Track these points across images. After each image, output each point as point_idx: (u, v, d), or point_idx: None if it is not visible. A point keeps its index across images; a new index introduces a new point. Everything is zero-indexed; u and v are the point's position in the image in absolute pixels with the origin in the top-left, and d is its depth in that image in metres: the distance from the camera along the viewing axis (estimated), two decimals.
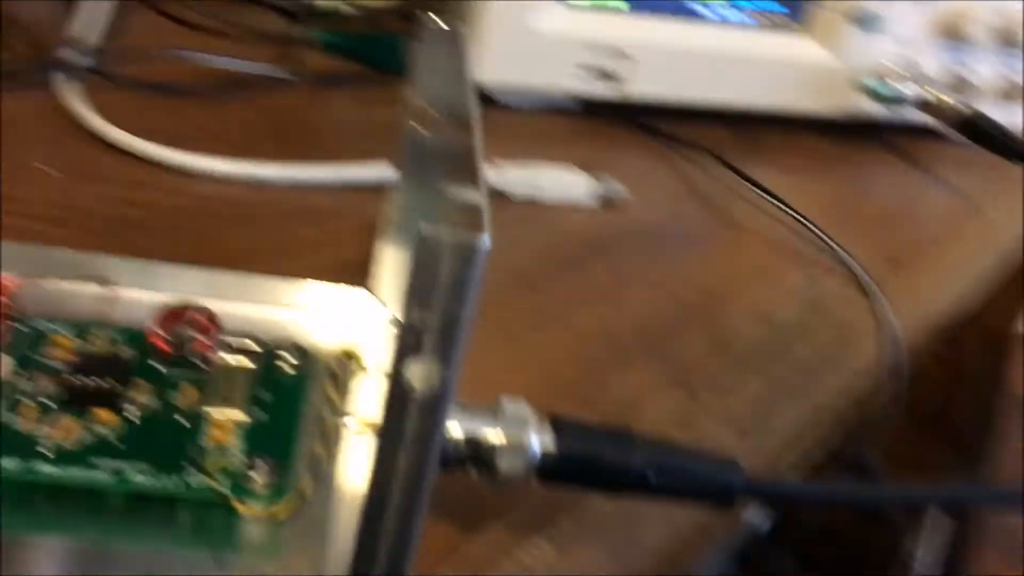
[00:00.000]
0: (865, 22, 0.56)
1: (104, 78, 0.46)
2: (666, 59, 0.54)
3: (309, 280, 0.31)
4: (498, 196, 0.44)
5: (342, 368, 0.28)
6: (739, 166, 0.53)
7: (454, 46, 0.28)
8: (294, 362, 0.28)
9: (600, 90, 0.54)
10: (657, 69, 0.54)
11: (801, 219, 0.47)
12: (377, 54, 0.56)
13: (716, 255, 0.43)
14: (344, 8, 0.60)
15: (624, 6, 0.54)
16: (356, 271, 0.33)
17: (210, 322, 0.28)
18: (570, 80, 0.54)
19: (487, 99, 0.53)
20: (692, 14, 0.55)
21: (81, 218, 0.35)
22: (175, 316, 0.28)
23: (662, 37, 0.54)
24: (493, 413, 0.24)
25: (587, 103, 0.55)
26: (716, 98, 0.57)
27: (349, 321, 0.30)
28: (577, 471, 0.24)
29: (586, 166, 0.49)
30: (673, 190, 0.49)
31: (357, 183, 0.42)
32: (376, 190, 0.41)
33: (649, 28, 0.54)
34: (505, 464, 0.23)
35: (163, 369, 0.27)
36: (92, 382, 0.26)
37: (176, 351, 0.27)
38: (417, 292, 0.18)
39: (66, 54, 0.46)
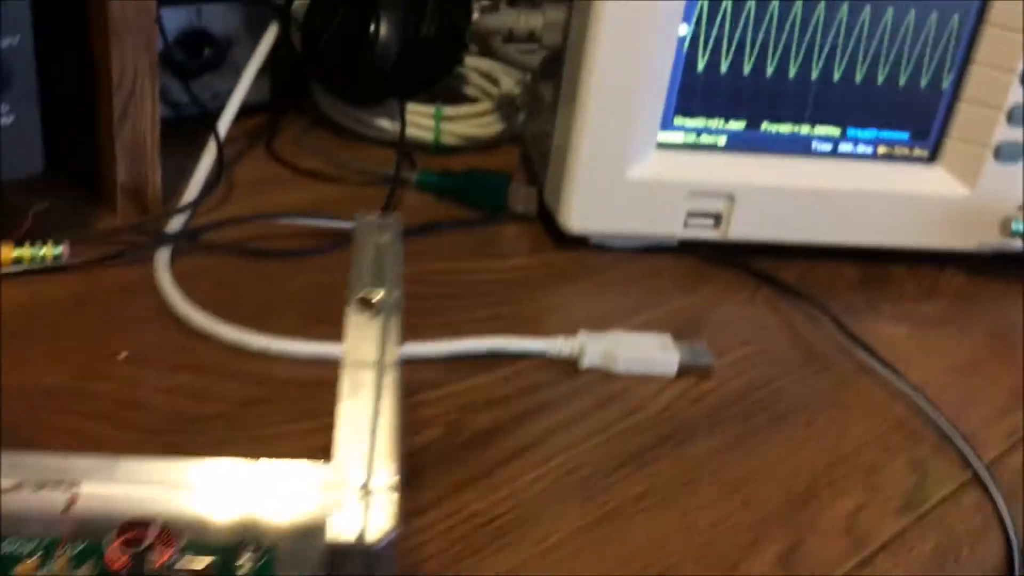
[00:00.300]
0: (1004, 152, 0.51)
1: (196, 247, 0.47)
2: (770, 197, 0.51)
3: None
4: (568, 366, 0.42)
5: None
6: (865, 311, 0.49)
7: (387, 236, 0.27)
8: (252, 559, 0.27)
9: (701, 233, 0.52)
10: (761, 208, 0.51)
11: (915, 393, 0.43)
12: (478, 195, 0.55)
13: (809, 440, 0.40)
14: (448, 138, 0.60)
15: (719, 141, 0.51)
16: None
17: (168, 537, 0.28)
18: (669, 225, 0.51)
19: (582, 242, 0.52)
20: (797, 148, 0.52)
21: (143, 417, 0.36)
22: (132, 534, 0.28)
23: (765, 174, 0.51)
24: None
25: (689, 243, 0.52)
26: (831, 237, 0.53)
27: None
28: None
29: (681, 315, 0.47)
30: (774, 345, 0.46)
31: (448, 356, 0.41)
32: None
33: (750, 166, 0.51)
34: None
35: None
36: None
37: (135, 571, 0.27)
38: None
39: (165, 224, 0.48)
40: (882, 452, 0.39)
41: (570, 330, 0.43)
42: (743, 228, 0.52)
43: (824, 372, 0.44)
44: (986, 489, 0.38)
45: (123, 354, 0.39)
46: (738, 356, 0.45)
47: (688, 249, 0.52)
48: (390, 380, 0.24)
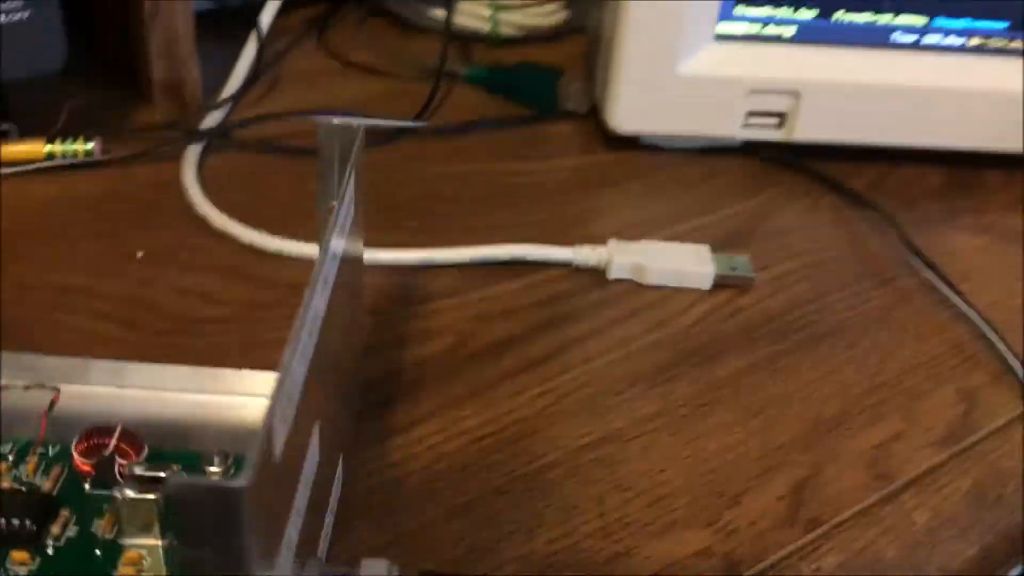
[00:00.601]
0: None
1: (230, 145, 0.47)
2: (842, 95, 0.47)
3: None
4: (595, 277, 0.40)
5: None
6: (941, 223, 0.45)
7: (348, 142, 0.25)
8: (222, 466, 0.27)
9: (763, 134, 0.48)
10: (831, 107, 0.47)
11: (978, 316, 0.39)
12: (528, 91, 0.52)
13: (848, 363, 0.36)
14: (506, 29, 0.57)
15: (786, 32, 0.46)
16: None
17: (132, 444, 0.28)
18: (725, 125, 0.47)
19: (634, 143, 0.49)
20: (875, 39, 0.47)
21: (150, 318, 0.36)
22: (98, 439, 0.28)
23: (837, 69, 0.47)
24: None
25: (753, 144, 0.49)
26: (911, 140, 0.48)
27: None
28: None
29: (731, 222, 0.44)
30: (829, 257, 0.42)
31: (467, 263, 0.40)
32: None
33: (820, 59, 0.46)
34: None
35: (85, 494, 0.27)
36: (12, 525, 0.26)
37: (99, 475, 0.27)
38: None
39: (200, 120, 0.47)
40: (929, 379, 0.36)
41: (607, 237, 0.40)
42: (810, 129, 0.47)
43: (880, 289, 0.41)
44: None
45: (140, 253, 0.39)
46: (786, 269, 0.41)
47: (751, 151, 0.49)
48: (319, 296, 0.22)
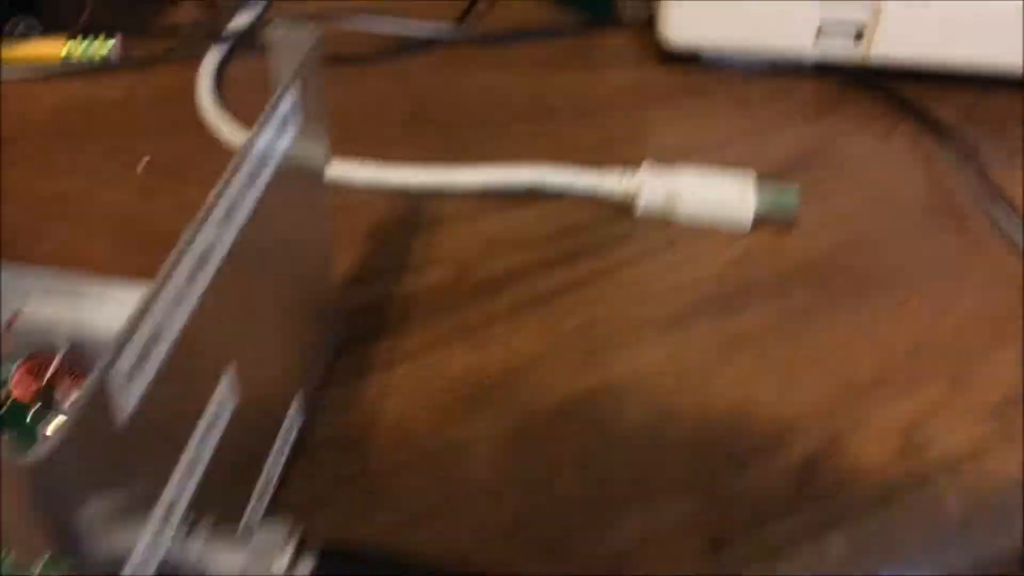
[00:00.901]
0: None
1: (254, 49, 0.44)
2: (931, 7, 0.41)
3: None
4: (622, 208, 0.36)
5: None
6: None
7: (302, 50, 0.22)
8: None
9: (836, 51, 0.43)
10: (917, 21, 0.41)
11: None
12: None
13: (898, 316, 0.32)
14: None
15: None
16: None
17: (78, 368, 0.26)
18: (792, 38, 0.42)
19: (692, 60, 0.44)
20: None
21: (141, 232, 0.34)
22: (36, 362, 0.26)
23: None
24: (243, 540, 0.20)
25: (824, 67, 0.44)
26: (1007, 62, 0.42)
27: None
28: None
29: (789, 150, 0.39)
30: (895, 194, 0.38)
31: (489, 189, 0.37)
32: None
33: None
34: None
35: (25, 420, 0.26)
36: None
37: (42, 399, 0.26)
38: None
39: (224, 22, 0.45)
40: (990, 338, 0.31)
41: (646, 161, 0.37)
42: (891, 46, 0.42)
43: (946, 233, 0.36)
44: None
45: (144, 161, 0.37)
46: (840, 205, 0.37)
47: (827, 71, 0.44)
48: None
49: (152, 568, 0.18)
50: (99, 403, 0.15)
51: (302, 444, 0.27)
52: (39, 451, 0.14)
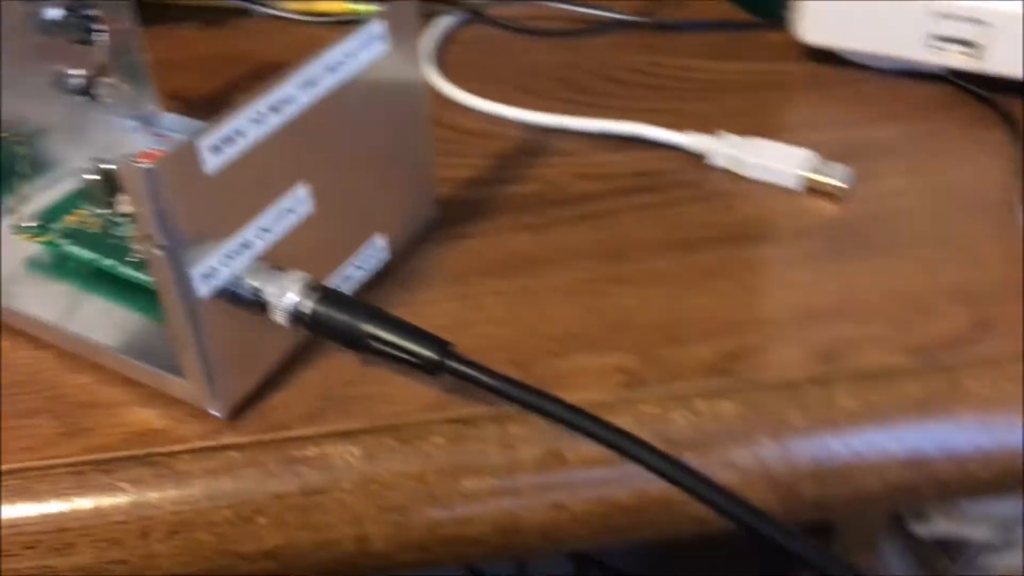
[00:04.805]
0: None
1: (482, 20, 0.57)
2: None
3: None
4: (696, 161, 0.44)
5: None
6: None
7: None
8: None
9: (953, 60, 0.47)
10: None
11: None
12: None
13: (893, 271, 0.38)
14: None
15: None
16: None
17: None
18: (904, 46, 0.48)
19: (832, 57, 0.51)
20: None
21: None
22: None
23: None
24: (281, 273, 0.32)
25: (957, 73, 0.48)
26: None
27: None
28: (327, 328, 0.31)
29: (871, 139, 0.45)
30: (951, 181, 0.42)
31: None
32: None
33: None
34: (274, 312, 0.31)
35: None
36: None
37: None
38: None
39: None
40: (953, 301, 0.36)
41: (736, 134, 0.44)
42: (1003, 59, 0.46)
43: (978, 222, 0.40)
44: None
45: None
46: (894, 186, 0.42)
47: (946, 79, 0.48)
48: None
49: (221, 279, 0.30)
50: (190, 154, 0.28)
51: (381, 275, 0.38)
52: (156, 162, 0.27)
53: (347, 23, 0.56)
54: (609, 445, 0.30)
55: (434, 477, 0.32)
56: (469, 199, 0.43)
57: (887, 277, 0.38)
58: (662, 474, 0.29)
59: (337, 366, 0.35)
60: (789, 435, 0.33)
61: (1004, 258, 0.38)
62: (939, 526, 0.51)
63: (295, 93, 0.31)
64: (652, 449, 0.29)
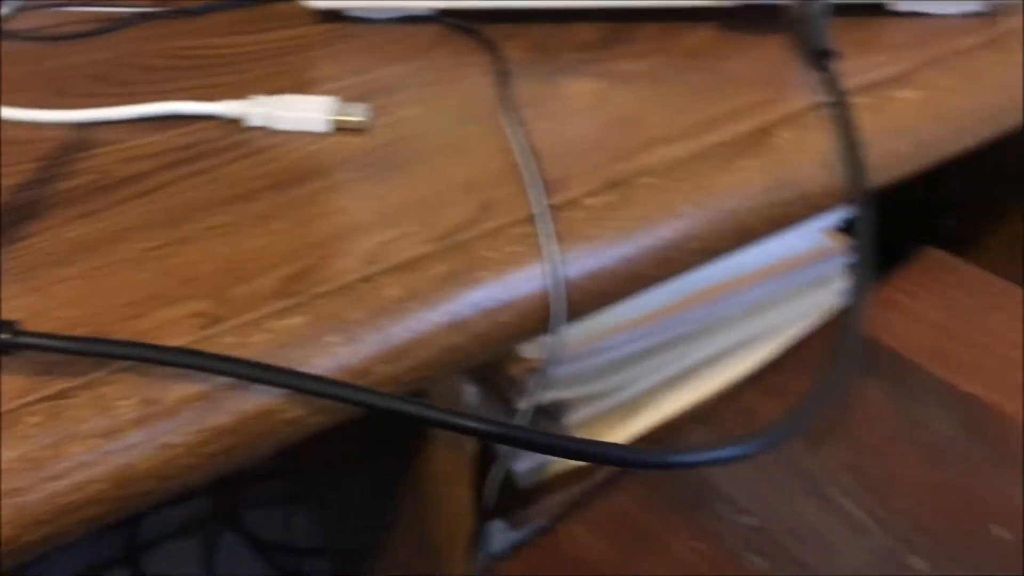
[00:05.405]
0: None
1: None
2: None
3: None
4: (234, 126, 0.49)
5: None
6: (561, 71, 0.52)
7: None
8: None
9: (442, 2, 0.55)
10: None
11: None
12: None
13: (415, 183, 0.45)
14: None
15: None
16: None
17: None
18: None
19: (336, 15, 0.57)
20: None
21: None
22: None
23: None
24: None
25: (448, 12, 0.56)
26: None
27: None
28: None
29: (377, 81, 0.52)
30: (447, 104, 0.50)
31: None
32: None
33: None
34: None
35: None
36: None
37: None
38: None
39: None
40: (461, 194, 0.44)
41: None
42: None
43: (468, 126, 0.48)
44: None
45: None
46: (408, 114, 0.49)
47: (443, 18, 0.56)
48: None
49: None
50: None
51: None
52: None
53: None
54: (212, 371, 0.33)
55: (40, 453, 0.34)
56: (23, 203, 0.44)
57: (411, 187, 0.45)
58: (272, 383, 0.34)
59: None
60: (354, 330, 0.39)
61: (495, 152, 0.46)
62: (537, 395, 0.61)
63: None
64: (257, 365, 0.34)
